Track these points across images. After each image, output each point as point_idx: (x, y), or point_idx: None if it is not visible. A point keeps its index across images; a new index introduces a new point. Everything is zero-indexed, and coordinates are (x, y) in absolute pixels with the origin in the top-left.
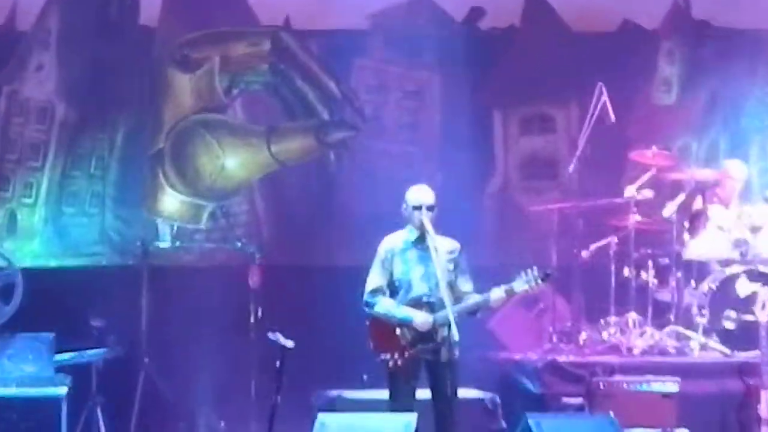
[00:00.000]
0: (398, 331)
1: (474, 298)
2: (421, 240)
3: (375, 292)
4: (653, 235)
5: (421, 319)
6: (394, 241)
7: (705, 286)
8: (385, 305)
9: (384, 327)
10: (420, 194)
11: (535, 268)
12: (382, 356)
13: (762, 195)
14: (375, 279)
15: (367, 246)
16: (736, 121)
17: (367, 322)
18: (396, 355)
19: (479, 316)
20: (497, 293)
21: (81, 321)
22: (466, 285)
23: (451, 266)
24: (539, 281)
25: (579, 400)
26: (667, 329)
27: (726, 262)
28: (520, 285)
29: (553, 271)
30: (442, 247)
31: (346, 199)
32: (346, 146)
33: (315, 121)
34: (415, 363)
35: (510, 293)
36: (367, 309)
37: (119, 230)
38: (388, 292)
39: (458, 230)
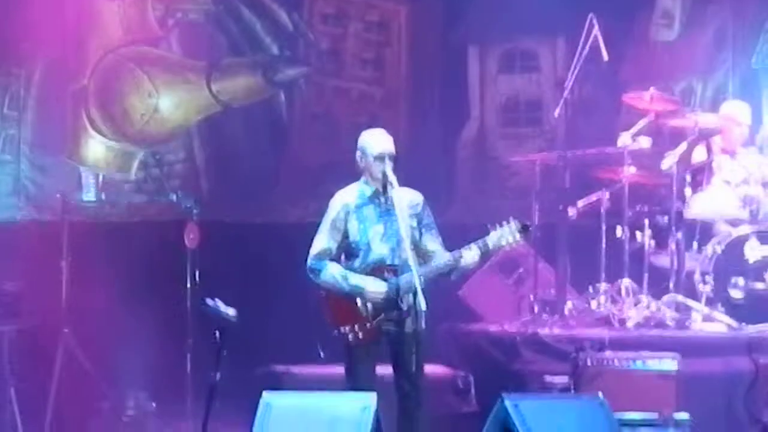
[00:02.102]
0: (358, 300)
1: (444, 257)
2: (379, 194)
3: (321, 255)
4: (650, 190)
5: (374, 287)
6: (348, 196)
7: (709, 250)
8: (331, 272)
9: (341, 296)
10: (381, 142)
11: (512, 219)
12: (341, 330)
13: None
14: (322, 240)
15: (322, 200)
16: (747, 60)
17: (322, 292)
18: (356, 328)
19: (453, 278)
20: (470, 252)
21: None
22: (432, 242)
23: (414, 222)
24: (517, 235)
25: (564, 380)
26: (666, 298)
27: (734, 222)
28: (495, 240)
29: (532, 223)
30: (404, 200)
31: (297, 147)
32: (299, 86)
33: (263, 56)
34: (377, 335)
35: (485, 250)
36: (311, 276)
37: (36, 180)
38: (339, 256)
39: (426, 184)
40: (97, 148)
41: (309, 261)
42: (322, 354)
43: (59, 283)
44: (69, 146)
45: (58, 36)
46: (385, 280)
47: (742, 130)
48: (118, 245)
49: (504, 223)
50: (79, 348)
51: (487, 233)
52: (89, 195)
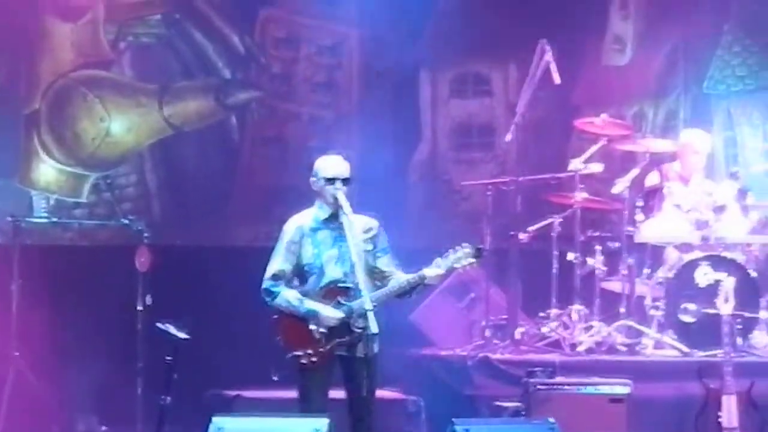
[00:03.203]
0: (311, 324)
1: (405, 277)
2: (333, 218)
3: (277, 277)
4: (602, 215)
5: (327, 312)
6: (303, 220)
7: (660, 275)
8: (286, 297)
9: (295, 320)
10: (334, 165)
11: (465, 243)
12: (294, 353)
13: (727, 171)
14: (278, 262)
15: (273, 224)
16: (699, 85)
17: (275, 315)
18: (310, 352)
19: (412, 298)
20: (432, 269)
21: None
22: (388, 265)
23: (370, 246)
24: (471, 258)
25: (515, 404)
26: (617, 324)
27: (685, 248)
28: (448, 263)
29: (486, 247)
30: (357, 226)
31: (249, 171)
32: (251, 109)
33: (214, 79)
34: (330, 359)
35: (446, 268)
36: (267, 299)
37: None
38: (293, 279)
39: (378, 207)
40: (48, 171)
41: (264, 283)
42: (275, 377)
43: (9, 306)
44: (20, 170)
45: (9, 59)
46: (339, 303)
47: (699, 158)
48: (69, 269)
49: (458, 247)
50: (30, 371)
51: (441, 256)
52: (40, 218)
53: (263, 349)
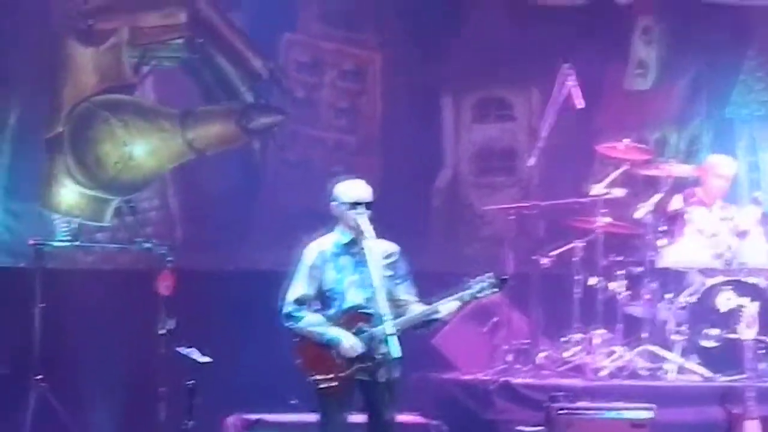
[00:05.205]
0: (333, 350)
1: (419, 308)
2: (354, 243)
3: (300, 302)
4: (624, 239)
5: (350, 342)
6: (324, 245)
7: (683, 300)
8: (310, 321)
9: (316, 344)
10: (356, 190)
11: (490, 273)
12: (314, 377)
13: (750, 195)
14: (300, 287)
15: (295, 248)
16: (721, 110)
17: (296, 339)
18: (330, 376)
19: (429, 331)
20: (448, 304)
21: None
22: (406, 294)
23: (390, 272)
24: (495, 288)
25: (537, 429)
26: (639, 348)
27: (707, 272)
28: (472, 292)
29: (510, 276)
30: (378, 250)
31: (271, 195)
32: (273, 134)
33: (237, 103)
34: (350, 383)
35: (462, 302)
36: (289, 323)
37: (9, 227)
38: (317, 305)
39: (400, 233)
40: (70, 195)
41: (286, 307)
42: (295, 401)
43: (32, 330)
44: (43, 193)
45: (32, 82)
46: (360, 330)
47: (722, 183)
48: (91, 293)
49: (481, 277)
50: (52, 395)
51: (464, 284)
52: (63, 242)
53: (285, 373)
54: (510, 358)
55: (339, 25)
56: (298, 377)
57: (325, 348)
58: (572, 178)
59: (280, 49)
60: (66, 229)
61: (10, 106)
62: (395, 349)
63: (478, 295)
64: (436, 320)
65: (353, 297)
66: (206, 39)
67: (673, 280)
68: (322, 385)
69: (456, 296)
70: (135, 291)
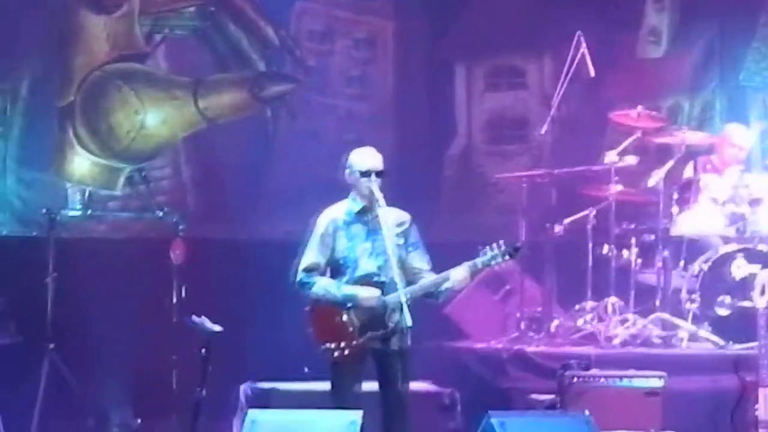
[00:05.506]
0: (344, 317)
1: (431, 277)
2: (366, 211)
3: (311, 270)
4: (637, 207)
5: (367, 293)
6: (336, 213)
7: (696, 268)
8: (323, 284)
9: (328, 313)
10: (368, 158)
11: (502, 242)
12: (326, 346)
13: (763, 163)
14: (312, 255)
15: (307, 217)
16: (735, 77)
17: (308, 308)
18: (342, 345)
19: (441, 300)
20: (459, 272)
21: None
22: (419, 261)
23: (401, 241)
24: (507, 256)
25: (550, 397)
26: (652, 316)
27: (720, 240)
28: (485, 260)
29: (523, 245)
30: (390, 219)
31: (283, 163)
32: (285, 102)
33: (249, 72)
34: (362, 352)
35: (474, 270)
36: (301, 289)
37: (22, 196)
38: (325, 272)
39: (412, 201)
40: (83, 164)
41: (299, 275)
42: (306, 370)
43: (45, 299)
44: (55, 162)
45: (44, 52)
46: None
47: (737, 152)
48: (103, 261)
49: (494, 245)
50: (64, 364)
51: (476, 253)
52: (75, 211)
53: (298, 342)
54: (523, 326)
55: None
56: (309, 346)
57: (337, 315)
58: (585, 147)
59: (291, 17)
60: (78, 198)
61: (22, 75)
62: (408, 318)
63: (491, 263)
64: (448, 289)
65: (365, 265)
66: (218, 7)
67: (686, 248)
68: (335, 354)
69: (468, 264)
70: (147, 260)
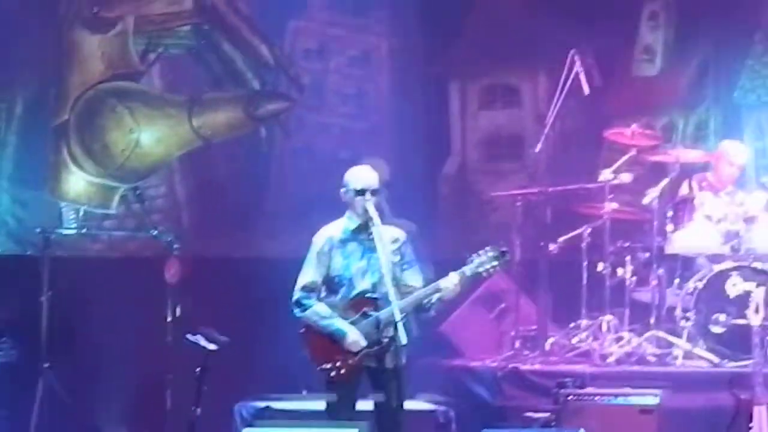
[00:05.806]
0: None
1: (423, 288)
2: (362, 229)
3: (309, 289)
4: (632, 225)
5: (354, 337)
6: (333, 231)
7: (691, 285)
8: (318, 311)
9: (321, 334)
10: (363, 176)
11: (488, 248)
12: (322, 367)
13: (758, 181)
14: (309, 274)
15: (302, 235)
16: (729, 95)
17: (302, 330)
18: (338, 364)
19: (433, 313)
20: (448, 280)
21: None
22: (413, 279)
23: (396, 258)
24: (494, 261)
25: (545, 415)
26: (647, 334)
27: (715, 258)
28: (473, 268)
29: (509, 250)
30: (386, 236)
31: (278, 182)
32: (280, 120)
33: (244, 91)
34: (357, 370)
35: (463, 278)
36: (297, 310)
37: (17, 215)
38: (324, 291)
39: (407, 218)
40: (77, 183)
41: (296, 294)
42: (304, 392)
43: (39, 318)
44: (50, 181)
45: (39, 70)
46: (365, 314)
47: (734, 171)
48: (98, 280)
49: (481, 252)
50: (59, 383)
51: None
52: (70, 229)
53: (292, 361)
54: (518, 344)
55: (345, 11)
56: (305, 364)
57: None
58: (580, 164)
59: (286, 36)
60: (73, 217)
61: (17, 93)
62: (402, 335)
63: (479, 269)
64: (439, 300)
65: (360, 283)
66: (213, 26)
67: (681, 265)
68: (331, 374)
69: (457, 272)
70: (142, 278)
